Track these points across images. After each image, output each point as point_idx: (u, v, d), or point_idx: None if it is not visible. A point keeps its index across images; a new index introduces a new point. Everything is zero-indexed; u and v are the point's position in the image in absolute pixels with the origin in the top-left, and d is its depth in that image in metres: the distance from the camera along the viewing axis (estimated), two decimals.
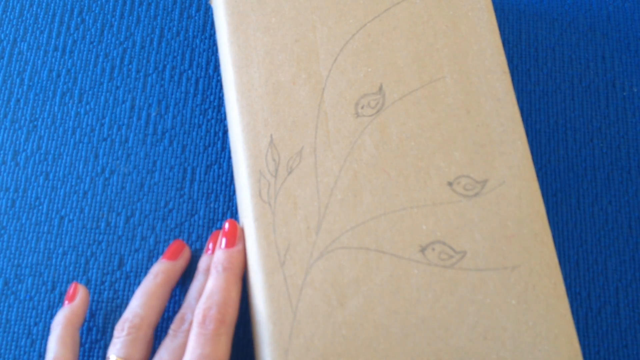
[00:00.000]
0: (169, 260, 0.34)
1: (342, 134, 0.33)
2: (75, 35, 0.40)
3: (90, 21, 0.40)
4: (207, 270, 0.33)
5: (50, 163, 0.38)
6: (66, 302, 0.33)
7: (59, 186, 0.37)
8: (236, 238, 0.32)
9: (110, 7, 0.41)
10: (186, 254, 0.35)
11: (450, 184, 0.32)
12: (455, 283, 0.31)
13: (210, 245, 0.35)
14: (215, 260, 0.32)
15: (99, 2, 0.41)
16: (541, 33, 0.41)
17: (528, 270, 0.31)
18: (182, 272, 0.35)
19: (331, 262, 0.31)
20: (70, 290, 0.34)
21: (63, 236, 0.36)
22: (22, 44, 0.40)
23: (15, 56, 0.40)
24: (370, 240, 0.31)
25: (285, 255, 0.31)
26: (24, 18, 0.40)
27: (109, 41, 0.40)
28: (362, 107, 0.34)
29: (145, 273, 0.36)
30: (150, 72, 0.39)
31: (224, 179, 0.38)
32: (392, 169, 0.33)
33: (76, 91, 0.39)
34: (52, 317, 0.35)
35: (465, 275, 0.31)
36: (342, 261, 0.31)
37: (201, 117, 0.39)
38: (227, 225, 0.33)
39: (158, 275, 0.33)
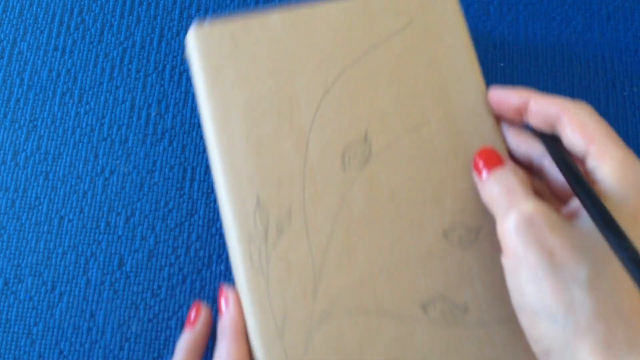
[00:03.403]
0: (189, 328, 0.33)
1: (330, 189, 0.32)
2: (75, 35, 0.40)
3: (90, 21, 0.40)
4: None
5: (50, 163, 0.37)
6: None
7: (59, 186, 0.37)
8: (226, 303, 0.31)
9: (110, 7, 0.41)
10: (204, 317, 0.33)
11: (445, 233, 0.31)
12: (460, 340, 0.30)
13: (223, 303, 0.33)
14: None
15: (99, 2, 0.41)
16: (540, 32, 0.41)
17: None
18: (206, 333, 0.33)
19: (332, 328, 0.30)
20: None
21: (63, 236, 0.36)
22: (22, 44, 0.40)
23: (15, 56, 0.40)
24: (370, 301, 0.30)
25: (283, 325, 0.30)
26: (24, 18, 0.40)
27: (109, 41, 0.40)
28: (349, 159, 0.32)
29: (145, 273, 0.36)
30: (150, 72, 0.39)
31: None
32: (385, 222, 0.31)
33: (76, 91, 0.39)
34: (51, 317, 0.35)
35: (470, 331, 0.30)
36: (343, 326, 0.30)
37: None
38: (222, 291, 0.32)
39: (180, 350, 0.32)
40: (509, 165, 0.30)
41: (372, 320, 0.30)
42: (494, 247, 0.31)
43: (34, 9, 0.41)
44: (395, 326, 0.30)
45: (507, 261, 0.27)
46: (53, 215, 0.37)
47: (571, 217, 0.28)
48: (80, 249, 0.36)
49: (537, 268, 0.26)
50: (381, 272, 0.31)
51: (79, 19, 0.40)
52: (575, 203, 0.29)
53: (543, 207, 0.27)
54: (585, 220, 0.27)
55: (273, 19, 0.34)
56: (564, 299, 0.25)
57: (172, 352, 0.34)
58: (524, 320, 0.27)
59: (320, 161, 0.32)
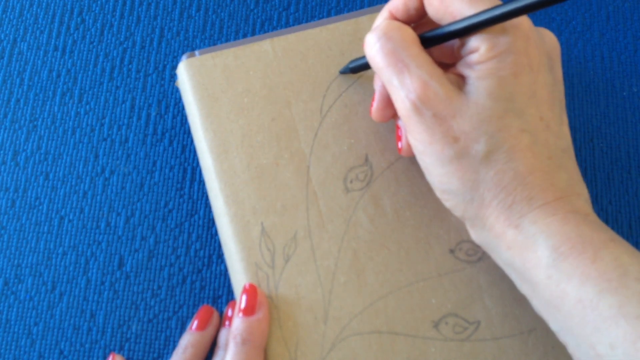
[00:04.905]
0: (197, 331, 0.33)
1: (335, 213, 0.32)
2: (75, 35, 0.40)
3: (90, 21, 0.40)
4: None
5: (50, 163, 0.37)
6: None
7: (59, 186, 0.37)
8: (256, 304, 0.30)
9: (110, 7, 0.41)
10: (215, 320, 0.33)
11: (452, 251, 0.32)
12: (474, 356, 0.30)
13: (230, 312, 0.33)
14: (233, 329, 0.30)
15: (99, 2, 0.41)
16: None
17: (545, 331, 0.30)
18: (212, 340, 0.33)
19: (345, 352, 0.30)
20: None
21: (63, 236, 0.36)
22: (22, 44, 0.40)
23: (15, 56, 0.40)
24: (381, 323, 0.30)
25: (296, 351, 0.30)
26: (24, 18, 0.40)
27: (109, 41, 0.40)
28: (351, 182, 0.32)
29: (145, 273, 0.36)
30: (150, 72, 0.39)
31: None
32: (392, 243, 0.32)
33: (76, 91, 0.39)
34: (52, 317, 0.35)
35: (483, 346, 0.30)
36: (356, 349, 0.30)
37: None
38: (247, 286, 0.31)
39: (187, 349, 0.32)
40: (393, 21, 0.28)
41: (384, 341, 0.30)
42: None
43: (34, 9, 0.41)
44: (408, 345, 0.30)
45: (414, 141, 0.28)
46: (53, 216, 0.37)
47: (459, 83, 0.27)
48: (80, 249, 0.36)
49: (442, 155, 0.27)
50: (391, 293, 0.31)
51: (79, 19, 0.40)
52: (458, 68, 0.28)
53: (440, 89, 0.26)
54: (474, 85, 0.26)
55: (265, 46, 0.34)
56: (468, 180, 0.26)
57: (172, 352, 0.34)
58: (437, 194, 0.29)
59: (322, 185, 0.32)
